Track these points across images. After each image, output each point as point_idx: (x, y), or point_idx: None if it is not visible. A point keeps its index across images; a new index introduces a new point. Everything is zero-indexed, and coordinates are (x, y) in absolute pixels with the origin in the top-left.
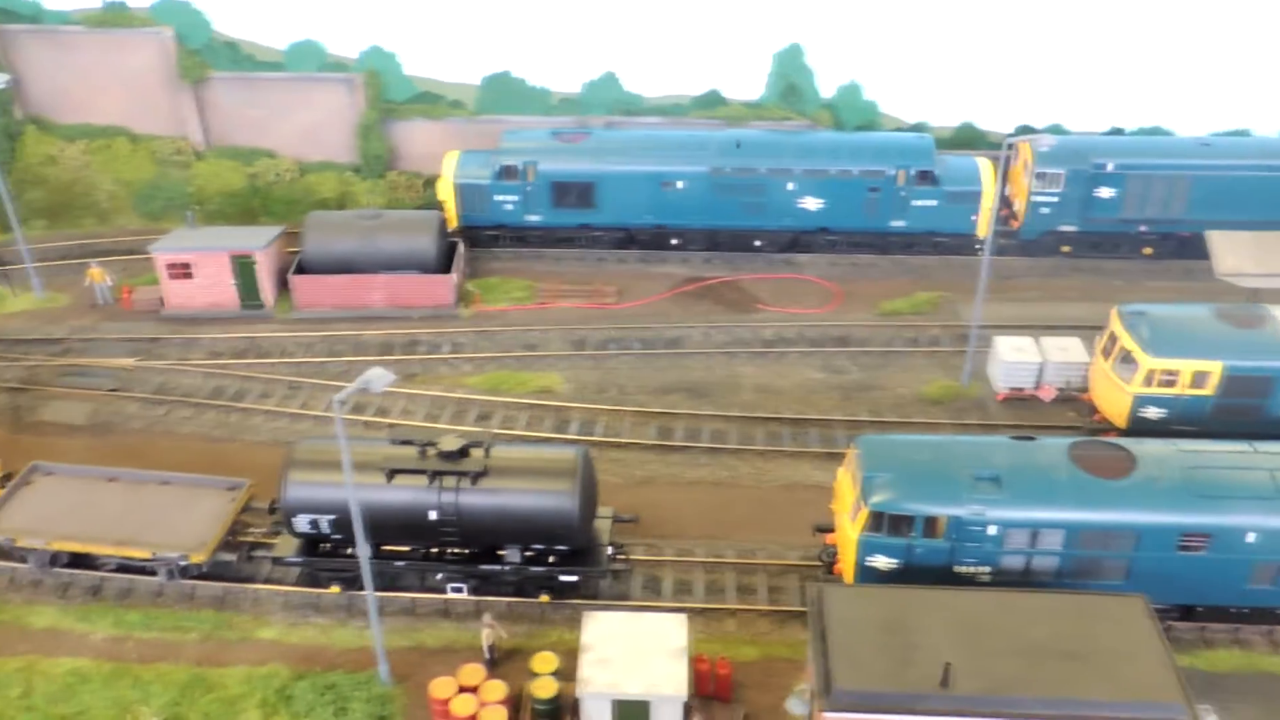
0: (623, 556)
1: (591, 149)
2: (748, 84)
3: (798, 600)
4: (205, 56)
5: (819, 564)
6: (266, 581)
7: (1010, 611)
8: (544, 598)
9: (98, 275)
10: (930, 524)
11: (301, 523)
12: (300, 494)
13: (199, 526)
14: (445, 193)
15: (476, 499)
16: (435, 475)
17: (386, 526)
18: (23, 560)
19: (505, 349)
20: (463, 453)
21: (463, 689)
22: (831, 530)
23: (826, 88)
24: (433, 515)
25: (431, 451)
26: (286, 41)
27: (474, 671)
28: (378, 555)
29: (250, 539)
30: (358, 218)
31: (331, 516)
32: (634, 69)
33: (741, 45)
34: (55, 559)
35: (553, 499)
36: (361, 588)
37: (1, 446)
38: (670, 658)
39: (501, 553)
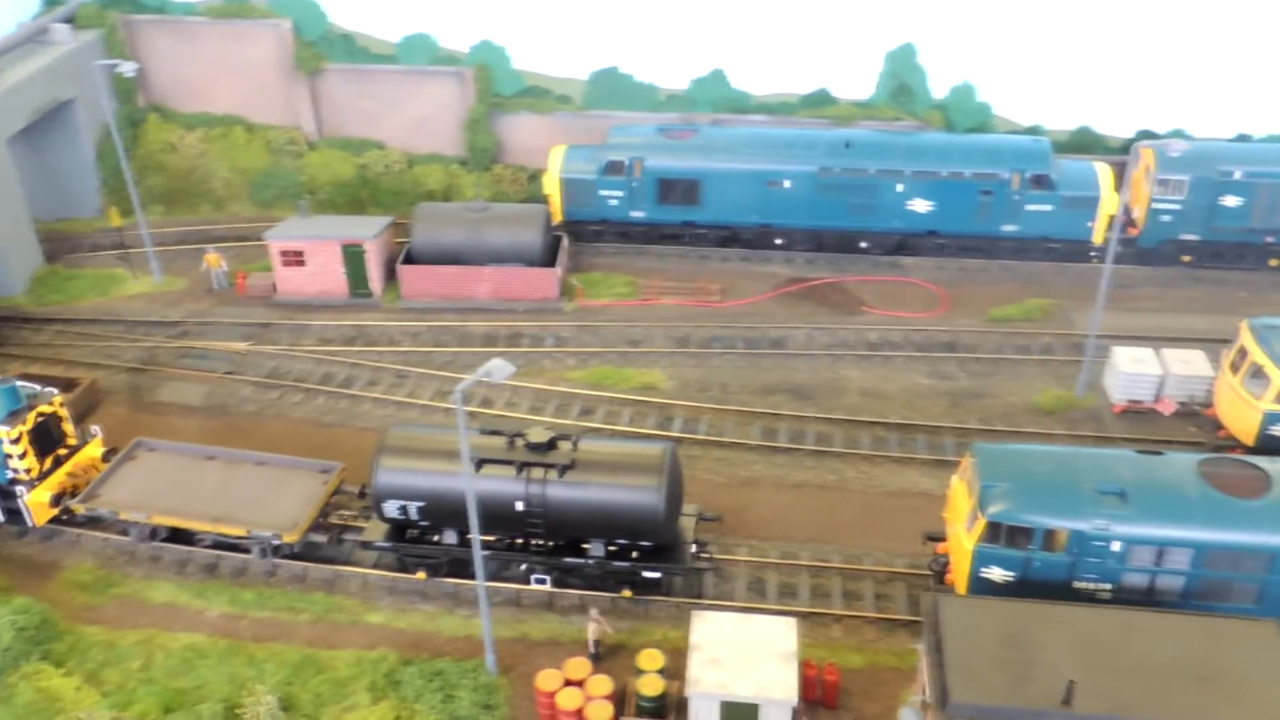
0: (706, 555)
1: (698, 146)
2: (857, 83)
3: (906, 608)
4: (321, 48)
5: (929, 573)
6: (351, 564)
7: (1135, 631)
8: (626, 593)
9: (214, 261)
10: (1050, 537)
11: (391, 508)
12: (390, 480)
13: (292, 507)
14: (551, 187)
15: (562, 491)
16: (523, 466)
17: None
18: (124, 533)
19: (608, 344)
20: (551, 445)
21: (568, 682)
22: (943, 539)
23: (939, 88)
24: (519, 506)
25: (520, 443)
26: (399, 35)
27: (579, 665)
28: (463, 543)
29: (340, 522)
30: (465, 210)
31: (420, 503)
32: (742, 66)
33: (852, 44)
34: (155, 533)
35: (638, 494)
36: (447, 575)
37: (122, 424)
38: (780, 661)
39: (585, 546)
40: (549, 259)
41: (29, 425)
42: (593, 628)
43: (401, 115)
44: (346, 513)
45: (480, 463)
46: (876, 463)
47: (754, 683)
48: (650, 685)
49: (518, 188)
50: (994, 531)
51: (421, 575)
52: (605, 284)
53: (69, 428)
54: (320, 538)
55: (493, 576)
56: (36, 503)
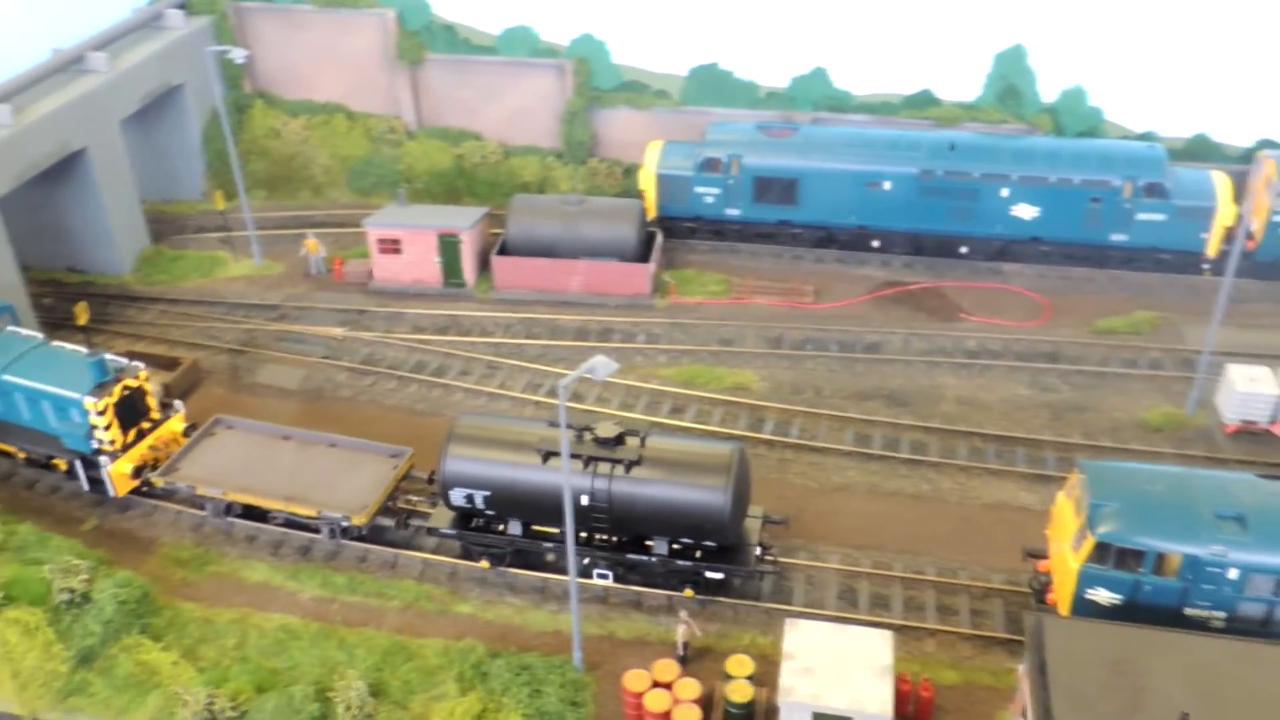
0: (771, 558)
1: (797, 145)
2: (963, 84)
3: (1003, 626)
4: (423, 38)
5: (1028, 591)
6: (415, 550)
7: (1254, 663)
8: (688, 592)
9: (313, 246)
10: (1162, 561)
11: (457, 496)
12: (459, 468)
13: (361, 490)
14: (646, 182)
15: (628, 487)
16: (590, 460)
17: (539, 507)
18: (200, 508)
19: (700, 342)
20: (618, 440)
21: (656, 684)
22: (1044, 556)
23: (1048, 91)
24: (584, 500)
25: (588, 437)
26: (501, 26)
27: (667, 667)
28: (527, 534)
29: (408, 507)
30: (562, 203)
31: (486, 492)
32: (844, 65)
33: (959, 44)
34: (230, 509)
35: (705, 493)
36: (510, 565)
37: (221, 404)
38: (875, 674)
39: (649, 543)
40: (643, 254)
41: (115, 398)
42: (682, 630)
43: (500, 106)
44: (414, 498)
45: (547, 455)
46: (973, 474)
47: (848, 695)
48: (739, 692)
49: (612, 182)
50: (1102, 552)
51: (485, 564)
52: (698, 281)
53: (153, 402)
54: (388, 521)
55: (557, 570)
56: (119, 474)
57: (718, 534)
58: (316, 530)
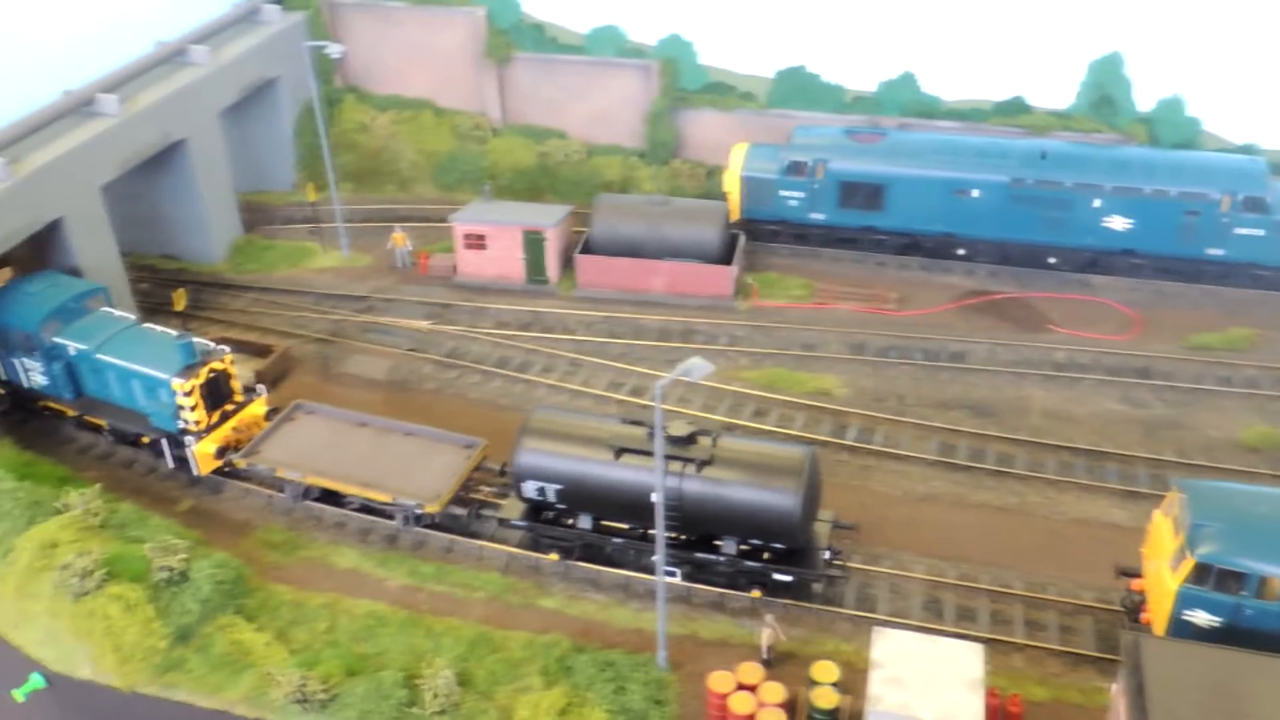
0: (839, 562)
1: (885, 150)
2: (1056, 92)
3: (1094, 644)
4: (512, 37)
5: (1120, 609)
6: (483, 539)
7: None
8: (755, 593)
9: (400, 240)
10: (1265, 584)
11: (529, 488)
12: (531, 461)
13: (435, 478)
14: (730, 184)
15: (699, 486)
16: (662, 459)
17: (610, 503)
18: (280, 490)
19: (782, 346)
20: (691, 439)
21: (741, 686)
22: (1138, 575)
23: (1144, 100)
24: (655, 497)
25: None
26: (589, 26)
27: (752, 670)
28: (597, 529)
29: (480, 497)
30: (647, 203)
31: (558, 486)
32: (934, 70)
33: (1053, 51)
34: (308, 492)
35: (776, 495)
36: (579, 559)
37: (310, 393)
38: (965, 688)
39: (718, 543)
40: (726, 257)
41: (201, 380)
42: (767, 633)
43: (584, 105)
44: (486, 488)
45: (620, 451)
46: (1062, 488)
47: (938, 707)
48: (825, 698)
49: (695, 183)
50: (1202, 573)
51: (554, 556)
52: (780, 285)
53: (237, 385)
54: (460, 510)
55: (625, 565)
56: (203, 453)
57: (787, 536)
58: (390, 516)
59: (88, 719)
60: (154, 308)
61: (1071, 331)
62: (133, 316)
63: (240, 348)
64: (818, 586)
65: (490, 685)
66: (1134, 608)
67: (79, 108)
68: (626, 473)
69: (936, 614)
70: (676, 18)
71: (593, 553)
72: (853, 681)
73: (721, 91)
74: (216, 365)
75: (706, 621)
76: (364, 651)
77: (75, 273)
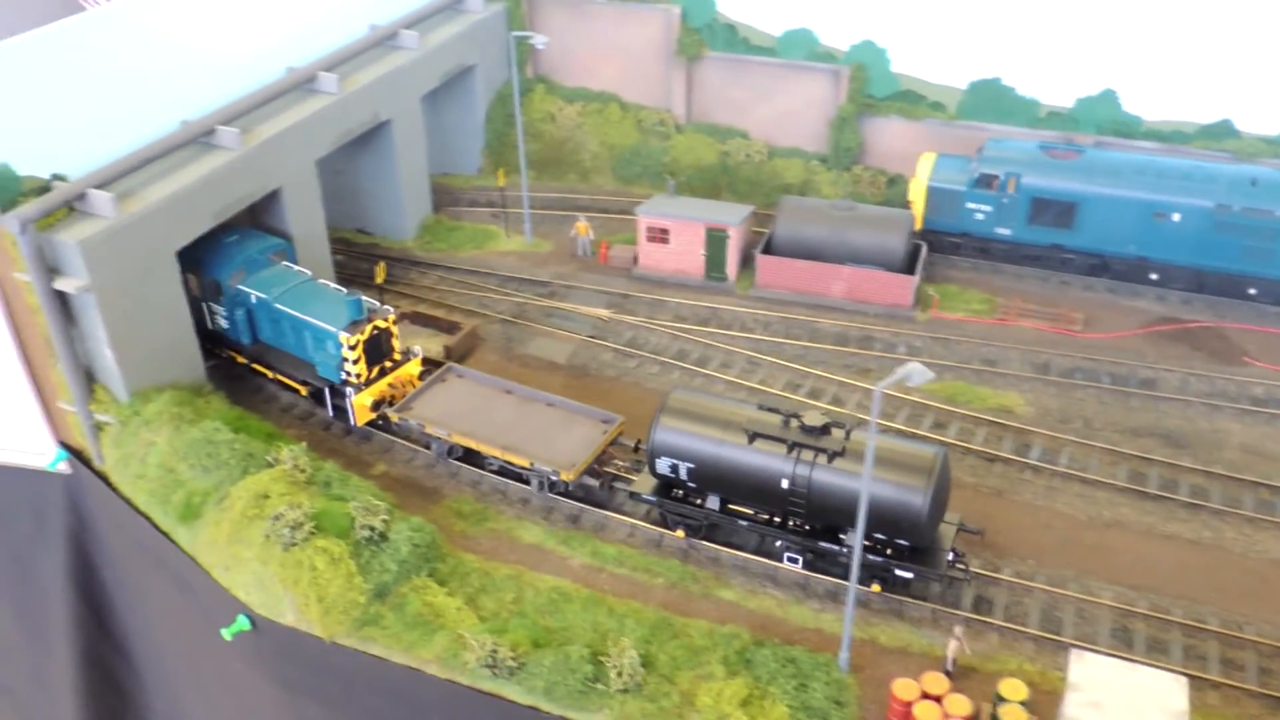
0: (962, 566)
1: (1081, 168)
2: (1268, 117)
3: None
4: (704, 36)
5: None
6: (613, 510)
7: None
8: (875, 587)
9: (583, 229)
10: None
11: (663, 465)
12: (667, 438)
13: (572, 448)
14: (916, 194)
15: (829, 477)
16: (794, 446)
17: (740, 485)
18: (427, 446)
19: (962, 360)
20: (824, 430)
21: (925, 695)
22: None
23: None
24: (784, 484)
25: (794, 423)
26: (781, 28)
27: (937, 680)
28: (724, 510)
29: (613, 471)
30: (832, 208)
31: (690, 465)
32: (1136, 88)
33: (1265, 73)
34: (452, 450)
35: (904, 492)
36: (704, 537)
37: (494, 371)
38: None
39: (842, 535)
40: (909, 266)
41: (365, 336)
42: (953, 645)
43: (769, 107)
44: (620, 463)
45: (754, 436)
46: (1261, 527)
47: None
48: (1013, 715)
49: (875, 190)
50: None
51: (680, 533)
52: (960, 298)
53: (396, 344)
54: (593, 481)
55: (747, 549)
56: (360, 405)
57: (912, 533)
58: (527, 481)
59: (289, 663)
60: (348, 278)
61: (1271, 366)
62: (309, 272)
63: (429, 323)
64: (937, 587)
65: (672, 669)
66: None
67: (301, 84)
68: (759, 458)
69: (1125, 643)
70: (871, 24)
71: (715, 533)
72: (1039, 703)
73: (911, 100)
74: (380, 323)
75: (885, 627)
76: (549, 625)
77: (288, 239)
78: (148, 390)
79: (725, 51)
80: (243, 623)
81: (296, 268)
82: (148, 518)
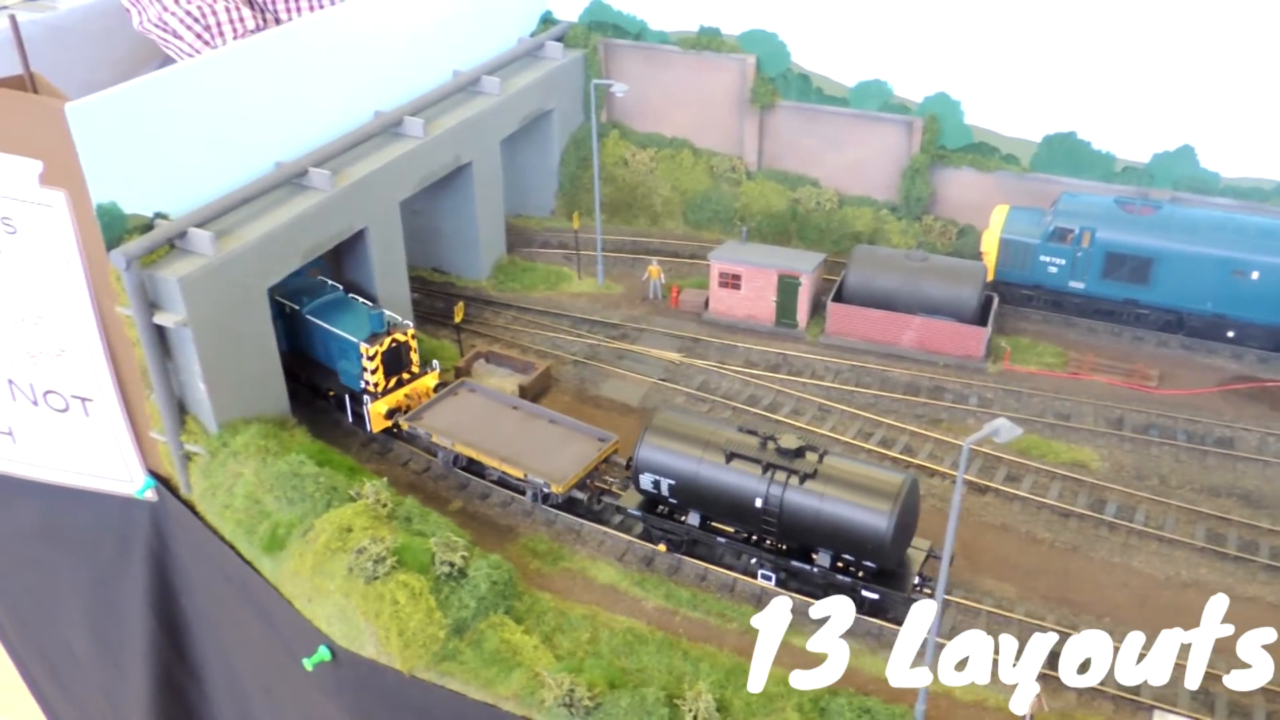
0: (928, 592)
1: (1158, 223)
2: None
3: None
4: (778, 85)
5: None
6: (599, 523)
7: None
8: None
9: (655, 273)
10: None
11: (646, 481)
12: (650, 455)
13: (566, 463)
14: (988, 245)
15: (800, 498)
16: (769, 467)
17: (717, 503)
18: (434, 454)
19: (1035, 413)
20: (798, 452)
21: None
22: None
23: None
24: (758, 503)
25: (771, 445)
26: (856, 79)
27: None
28: (704, 526)
29: (601, 486)
30: (905, 257)
31: (671, 481)
32: (1214, 144)
33: None
34: (457, 460)
35: (869, 515)
36: (685, 552)
37: (567, 411)
38: None
39: (814, 555)
40: (981, 317)
41: (384, 347)
42: (1032, 702)
43: (840, 156)
44: (610, 479)
45: (731, 456)
46: None
47: None
48: None
49: (945, 240)
50: None
51: (663, 548)
52: (1031, 350)
53: (415, 357)
54: (581, 495)
55: (729, 566)
56: (376, 412)
57: (877, 555)
58: (522, 491)
59: (367, 694)
60: (423, 316)
61: None
62: (341, 287)
63: (504, 362)
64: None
65: (747, 715)
66: None
67: (388, 128)
68: (734, 477)
69: (1207, 706)
70: (946, 76)
71: (694, 548)
72: None
73: (984, 152)
74: (399, 337)
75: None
76: (624, 666)
77: (368, 279)
78: (236, 422)
79: (798, 101)
80: (324, 653)
81: (330, 282)
82: (233, 547)
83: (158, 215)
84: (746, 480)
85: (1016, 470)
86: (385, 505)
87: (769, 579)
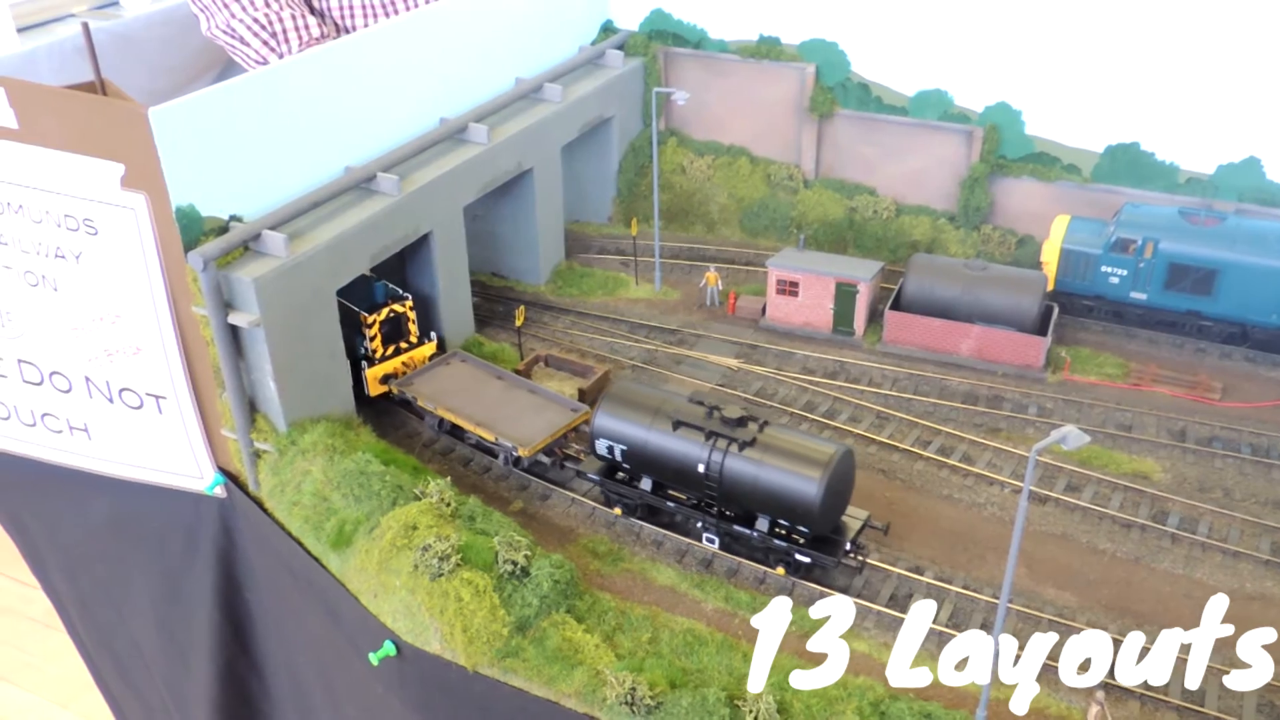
0: (861, 558)
1: (1223, 235)
2: None
3: None
4: (837, 94)
5: None
6: (562, 486)
7: None
8: (780, 570)
9: (713, 279)
10: None
11: (601, 446)
12: (604, 423)
13: (536, 429)
14: (1049, 255)
15: (739, 464)
16: (711, 435)
17: (665, 468)
18: (421, 418)
19: (1095, 423)
20: (741, 422)
21: None
22: None
23: None
24: (700, 469)
25: (716, 415)
26: (915, 88)
27: None
28: (655, 491)
29: (565, 452)
30: (965, 266)
31: (624, 447)
32: (1278, 156)
33: None
34: (441, 424)
35: (799, 482)
36: (640, 518)
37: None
38: None
39: (755, 521)
40: (1041, 327)
41: (382, 317)
42: (1094, 711)
43: (898, 165)
44: (577, 446)
45: (677, 424)
46: None
47: None
48: None
49: (1004, 250)
50: None
51: (618, 511)
52: (1092, 361)
53: (413, 328)
54: (546, 459)
55: (682, 531)
56: (372, 377)
57: (808, 521)
58: (495, 454)
59: (431, 689)
60: (482, 319)
61: None
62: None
63: (563, 366)
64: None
65: (807, 718)
66: None
67: (453, 134)
68: (680, 444)
69: (1272, 718)
70: (1007, 86)
71: (651, 514)
72: None
73: (1045, 162)
74: (397, 308)
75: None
76: (685, 666)
77: (432, 282)
78: (304, 421)
79: (857, 110)
80: (389, 648)
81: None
82: (300, 543)
83: (233, 218)
84: (691, 447)
85: (1078, 480)
86: (449, 504)
87: (713, 542)
